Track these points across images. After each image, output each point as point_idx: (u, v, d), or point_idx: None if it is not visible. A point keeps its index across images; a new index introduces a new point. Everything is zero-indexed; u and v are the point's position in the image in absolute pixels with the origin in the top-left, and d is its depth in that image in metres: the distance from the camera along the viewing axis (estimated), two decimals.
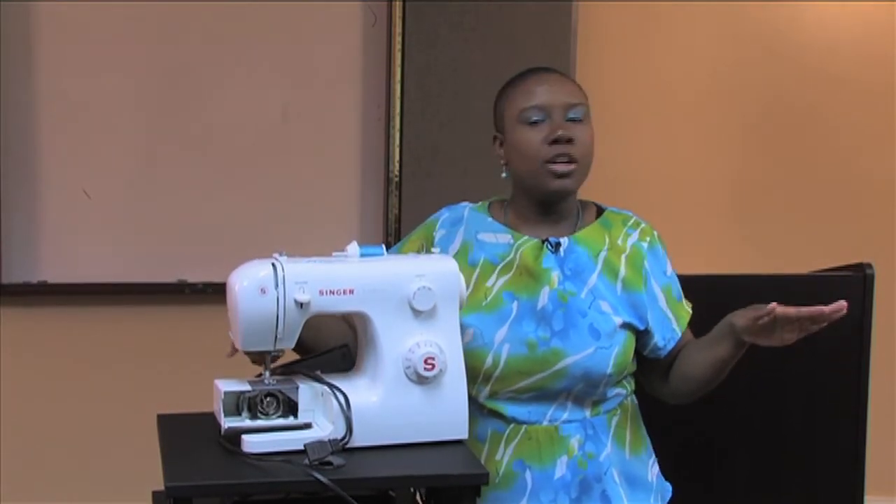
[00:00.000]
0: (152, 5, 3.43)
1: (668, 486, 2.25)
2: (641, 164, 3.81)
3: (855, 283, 2.92)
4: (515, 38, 3.58)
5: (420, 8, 3.53)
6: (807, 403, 2.96)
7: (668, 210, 3.79)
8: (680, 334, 2.18)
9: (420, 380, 1.93)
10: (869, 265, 2.93)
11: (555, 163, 2.10)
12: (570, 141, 2.10)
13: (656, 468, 2.23)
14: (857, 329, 2.91)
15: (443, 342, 1.94)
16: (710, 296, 2.88)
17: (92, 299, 3.51)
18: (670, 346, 2.18)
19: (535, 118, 2.11)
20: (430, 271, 1.96)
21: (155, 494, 2.05)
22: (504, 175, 2.19)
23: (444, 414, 1.95)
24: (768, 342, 2.04)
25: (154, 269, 3.50)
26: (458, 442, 1.96)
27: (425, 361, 1.92)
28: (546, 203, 2.17)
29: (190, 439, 1.94)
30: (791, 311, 1.99)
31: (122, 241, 3.48)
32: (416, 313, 1.94)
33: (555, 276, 2.13)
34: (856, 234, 3.88)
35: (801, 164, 3.92)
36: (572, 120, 2.12)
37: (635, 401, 2.25)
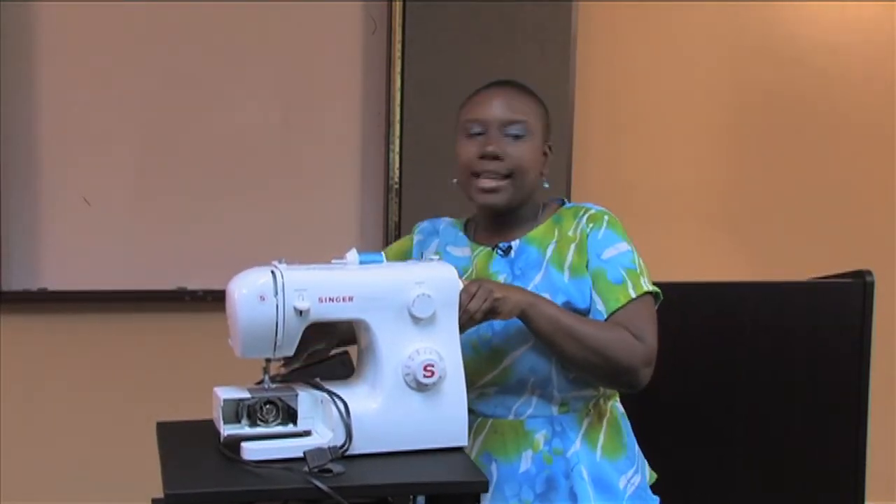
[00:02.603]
0: (153, 14, 3.43)
1: (656, 499, 2.23)
2: (640, 165, 3.82)
3: (855, 290, 2.92)
4: (516, 43, 3.58)
5: (420, 15, 3.53)
6: (807, 410, 2.97)
7: (665, 215, 3.80)
8: (604, 316, 2.12)
9: (419, 387, 1.93)
10: (869, 272, 2.94)
11: (481, 177, 2.15)
12: (497, 157, 2.14)
13: (638, 480, 2.20)
14: (857, 336, 2.92)
15: (442, 349, 1.94)
16: (710, 304, 2.89)
17: (92, 306, 3.51)
18: None
19: (474, 130, 2.17)
20: (430, 278, 1.96)
21: (154, 502, 2.04)
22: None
23: (444, 421, 1.95)
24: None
25: (153, 277, 3.50)
26: (458, 449, 1.96)
27: (425, 368, 1.92)
28: (493, 213, 2.21)
29: (189, 447, 1.94)
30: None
31: (121, 249, 3.48)
32: (416, 320, 1.94)
33: (501, 279, 2.16)
34: (855, 241, 3.89)
35: (800, 170, 3.92)
36: (510, 136, 2.15)
37: (620, 410, 2.24)
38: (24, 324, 3.48)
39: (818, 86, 3.91)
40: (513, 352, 2.12)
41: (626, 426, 2.24)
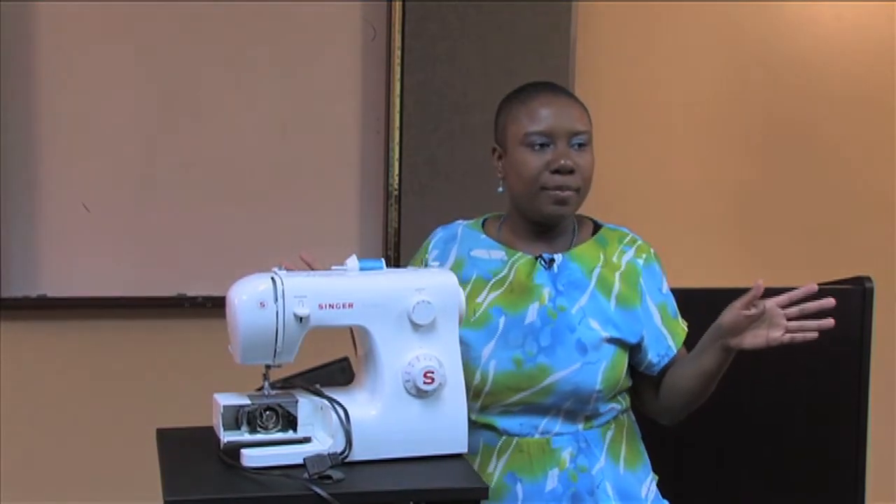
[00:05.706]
0: (152, 20, 3.43)
1: (665, 503, 2.25)
2: (639, 171, 3.80)
3: (855, 296, 2.92)
4: (515, 46, 3.58)
5: (419, 21, 3.53)
6: (808, 416, 2.96)
7: (665, 220, 3.79)
8: (675, 351, 2.18)
9: (419, 394, 1.93)
10: (868, 278, 2.94)
11: (555, 190, 2.13)
12: (571, 171, 2.12)
13: (654, 486, 2.22)
14: (856, 342, 2.91)
15: (442, 356, 1.94)
16: (709, 310, 2.88)
17: (91, 313, 3.51)
18: (664, 363, 2.19)
19: (539, 143, 2.13)
20: (430, 285, 1.96)
21: None
22: (500, 189, 2.21)
23: (444, 428, 1.95)
24: (754, 342, 2.03)
25: (153, 283, 3.49)
26: (458, 456, 1.96)
27: (425, 375, 1.92)
28: (541, 222, 2.19)
29: (189, 453, 1.94)
30: (782, 297, 2.02)
31: (121, 255, 3.48)
32: (416, 327, 1.94)
33: (546, 292, 2.14)
34: (855, 247, 3.88)
35: (800, 176, 3.92)
36: (575, 146, 2.14)
37: (633, 417, 2.25)
38: (24, 330, 3.47)
39: (820, 93, 3.90)
40: (559, 371, 2.09)
41: (639, 433, 2.26)
